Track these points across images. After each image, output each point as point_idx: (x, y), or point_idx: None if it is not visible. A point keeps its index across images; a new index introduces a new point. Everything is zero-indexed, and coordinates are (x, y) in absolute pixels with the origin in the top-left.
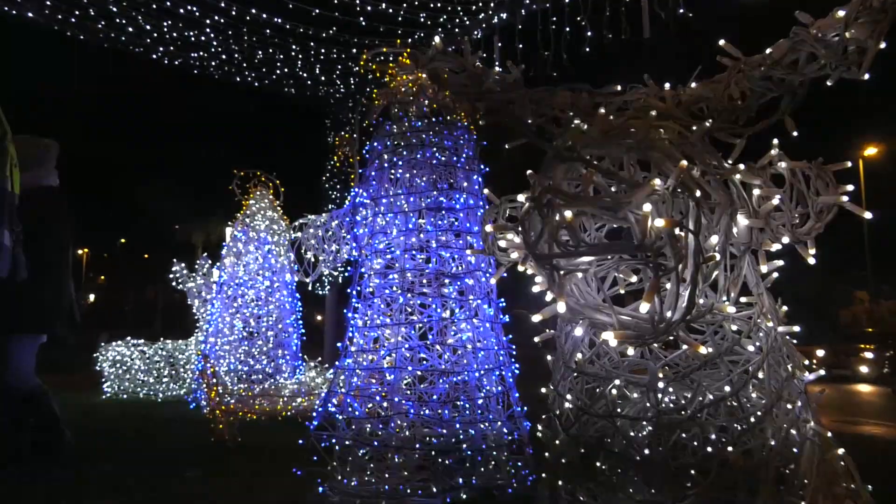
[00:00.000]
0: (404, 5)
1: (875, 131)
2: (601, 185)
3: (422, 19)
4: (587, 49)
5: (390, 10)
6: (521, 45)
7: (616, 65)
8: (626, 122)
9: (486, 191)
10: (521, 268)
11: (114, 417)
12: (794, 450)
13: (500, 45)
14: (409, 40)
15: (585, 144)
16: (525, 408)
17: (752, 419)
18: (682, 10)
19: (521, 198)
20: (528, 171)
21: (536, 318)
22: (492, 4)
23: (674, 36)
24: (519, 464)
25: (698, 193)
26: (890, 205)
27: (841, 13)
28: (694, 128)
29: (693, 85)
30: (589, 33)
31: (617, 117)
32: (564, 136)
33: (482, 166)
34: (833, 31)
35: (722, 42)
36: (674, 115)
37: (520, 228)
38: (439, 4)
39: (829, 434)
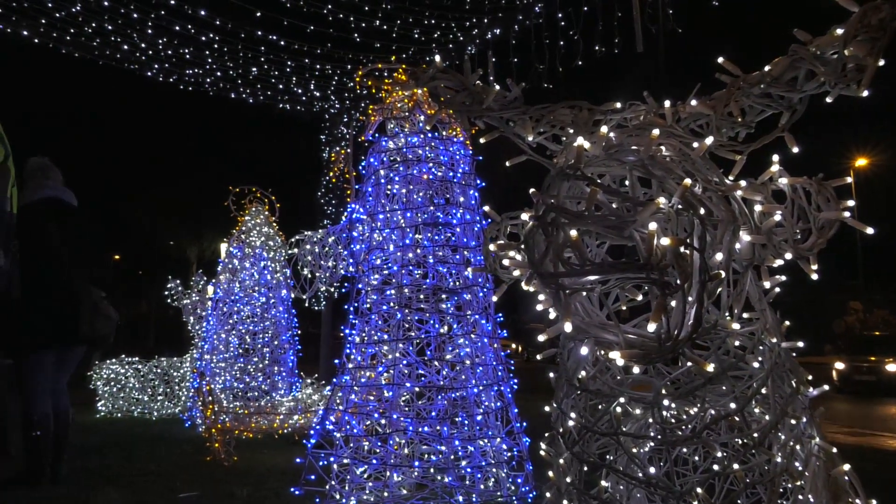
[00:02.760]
0: (398, 22)
1: (866, 143)
2: (604, 203)
3: (416, 35)
4: (580, 63)
5: (385, 27)
6: (515, 60)
7: (611, 78)
8: (627, 140)
9: (486, 207)
10: (524, 286)
11: (108, 436)
12: (799, 466)
13: (493, 59)
14: (404, 56)
15: (588, 162)
16: (524, 423)
17: (757, 435)
18: (671, 26)
19: (524, 216)
20: (531, 190)
21: (542, 338)
22: (485, 20)
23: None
24: (519, 480)
25: (702, 211)
26: (881, 214)
27: (839, 31)
28: (695, 144)
29: (693, 102)
30: (581, 48)
31: (618, 134)
32: (566, 153)
33: (478, 181)
34: (832, 48)
35: (721, 59)
36: (674, 133)
37: (523, 247)
38: (433, 21)
39: (835, 450)
